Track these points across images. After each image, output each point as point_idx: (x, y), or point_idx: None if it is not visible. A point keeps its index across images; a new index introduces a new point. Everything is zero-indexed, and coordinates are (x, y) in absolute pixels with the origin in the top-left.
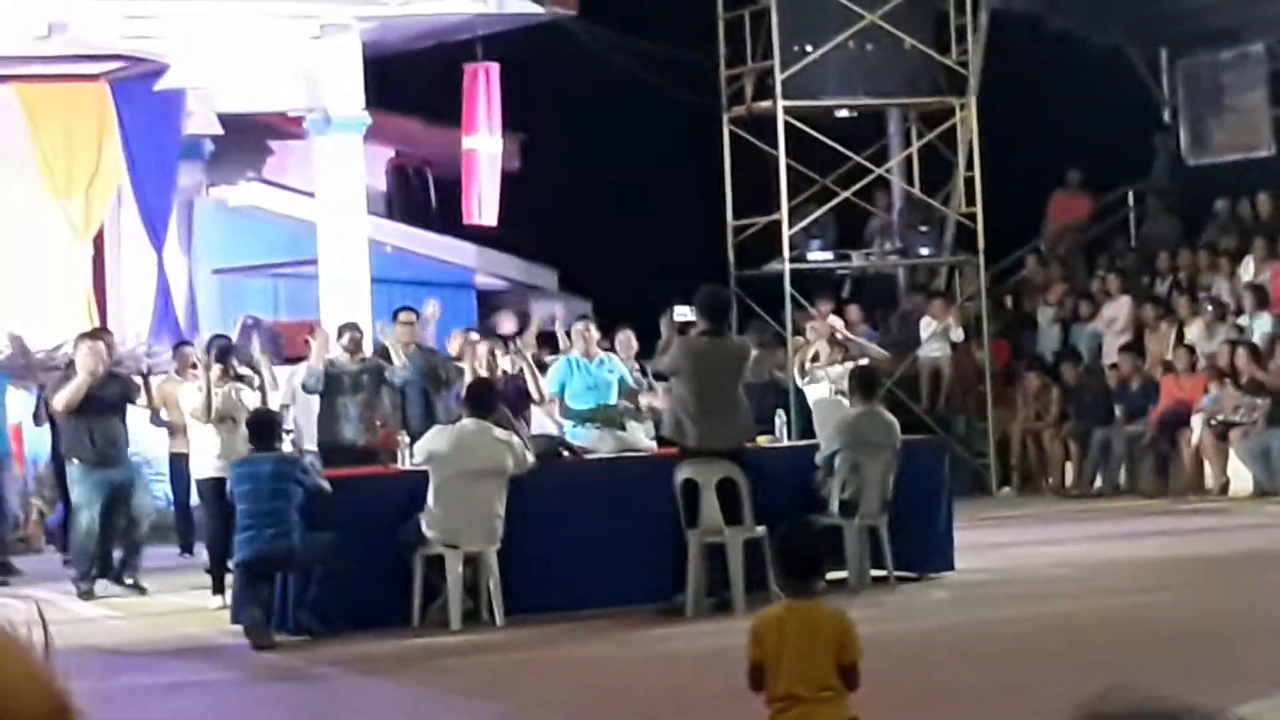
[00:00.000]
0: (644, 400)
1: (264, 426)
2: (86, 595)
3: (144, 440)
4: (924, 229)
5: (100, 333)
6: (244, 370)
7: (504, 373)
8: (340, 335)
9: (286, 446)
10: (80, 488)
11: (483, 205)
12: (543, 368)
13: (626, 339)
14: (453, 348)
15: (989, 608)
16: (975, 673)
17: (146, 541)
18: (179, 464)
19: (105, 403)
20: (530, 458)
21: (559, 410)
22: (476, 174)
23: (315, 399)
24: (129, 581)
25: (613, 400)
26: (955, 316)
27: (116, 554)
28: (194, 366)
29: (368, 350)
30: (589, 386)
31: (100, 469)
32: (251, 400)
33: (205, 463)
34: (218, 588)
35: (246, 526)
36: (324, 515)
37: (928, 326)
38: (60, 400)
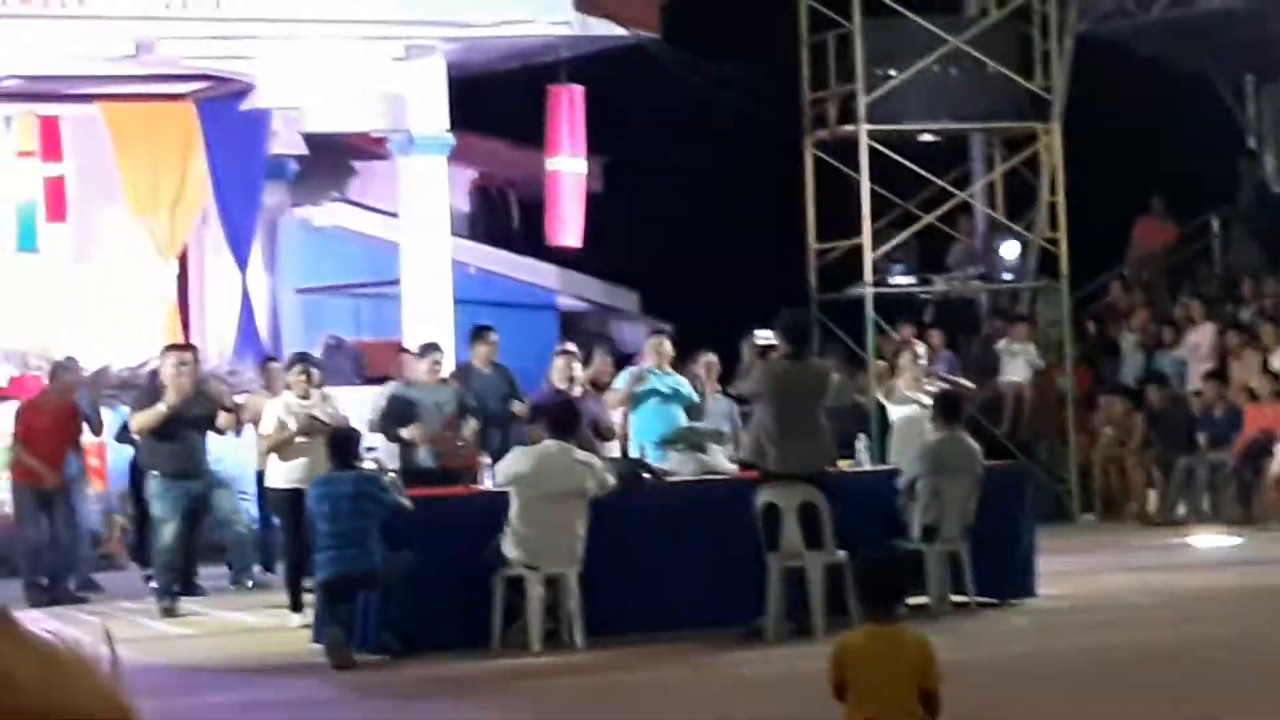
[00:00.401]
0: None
1: (344, 444)
2: (169, 612)
3: (228, 457)
4: (1006, 254)
5: (188, 347)
6: (327, 389)
7: (583, 389)
8: (422, 357)
9: (369, 465)
10: (160, 502)
11: (567, 227)
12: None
13: (709, 363)
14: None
15: (1070, 635)
16: (1056, 701)
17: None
18: (265, 479)
19: (187, 423)
20: (611, 479)
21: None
22: (560, 195)
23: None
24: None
25: (680, 413)
26: (1036, 342)
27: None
28: (288, 386)
29: (448, 369)
30: (655, 390)
31: (179, 481)
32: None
33: (278, 473)
34: (295, 605)
35: (327, 546)
36: (405, 535)
37: (1009, 351)
38: (137, 423)
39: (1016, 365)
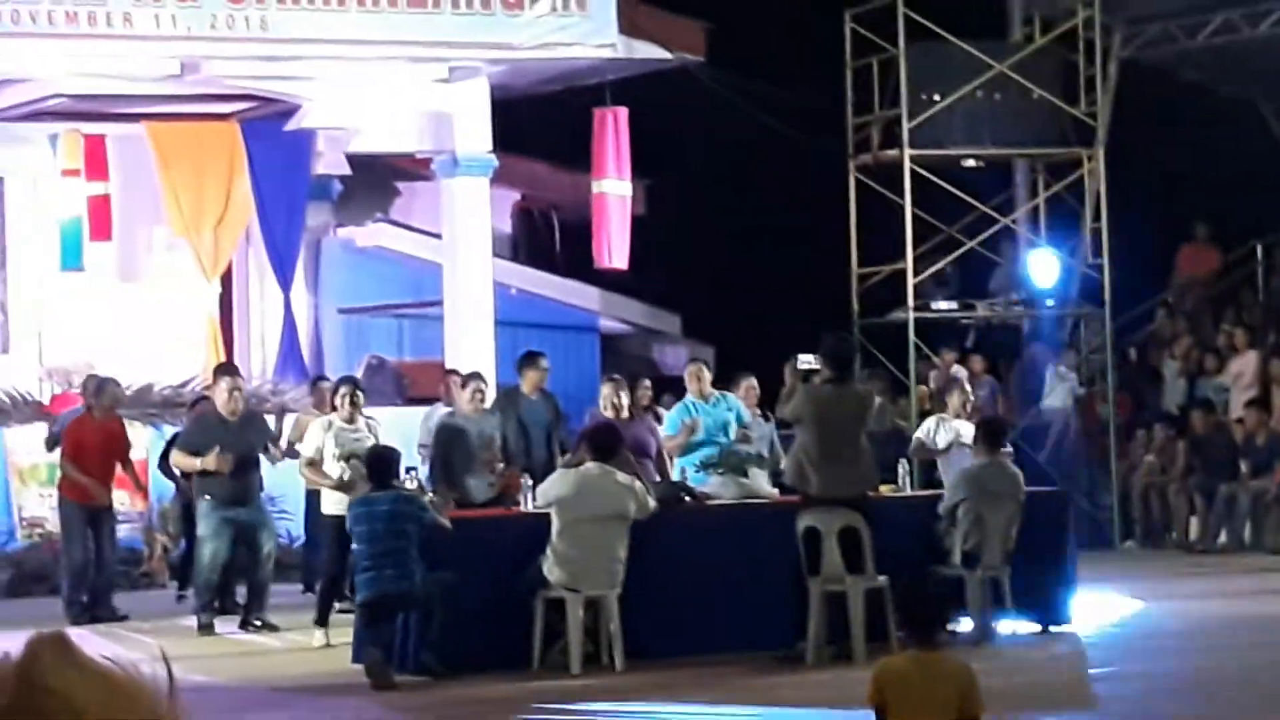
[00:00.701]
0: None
1: (382, 464)
2: (207, 629)
3: (273, 476)
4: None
5: (233, 369)
6: (369, 411)
7: (628, 414)
8: (464, 386)
9: (410, 484)
10: (207, 521)
11: (613, 249)
12: (657, 418)
13: (749, 386)
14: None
15: (1111, 663)
16: None
17: (269, 582)
18: (313, 499)
19: (240, 449)
20: (652, 502)
21: (675, 450)
22: (607, 218)
23: None
24: (258, 623)
25: (731, 438)
26: (1078, 369)
27: (239, 595)
28: (333, 407)
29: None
30: (706, 428)
31: (230, 507)
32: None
33: (330, 499)
34: (321, 619)
35: (366, 567)
36: (446, 556)
37: (1059, 376)
38: (180, 463)
39: (1059, 392)
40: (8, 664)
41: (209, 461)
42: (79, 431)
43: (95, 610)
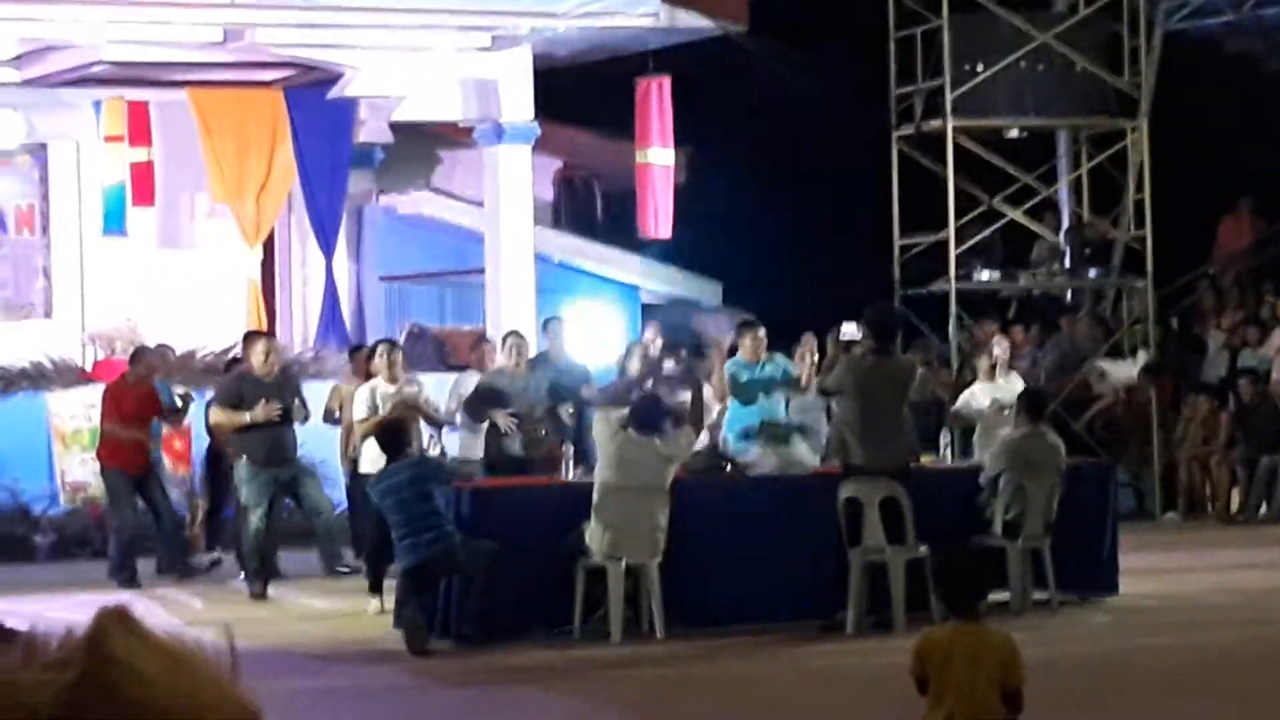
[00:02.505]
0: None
1: (391, 436)
2: (259, 596)
3: (314, 442)
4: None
5: (271, 334)
6: (411, 375)
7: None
8: (503, 342)
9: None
10: (249, 487)
11: (657, 218)
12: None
13: (812, 348)
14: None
15: (1152, 634)
16: (1138, 702)
17: (336, 528)
18: (353, 464)
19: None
20: (687, 443)
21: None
22: (651, 187)
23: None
24: (344, 569)
25: (778, 402)
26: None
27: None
28: (371, 374)
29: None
30: (753, 386)
31: (268, 468)
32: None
33: (370, 459)
34: (375, 586)
35: (403, 535)
36: (487, 525)
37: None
38: (215, 419)
39: (1123, 367)
40: (74, 637)
41: (258, 413)
42: (116, 396)
43: (177, 569)
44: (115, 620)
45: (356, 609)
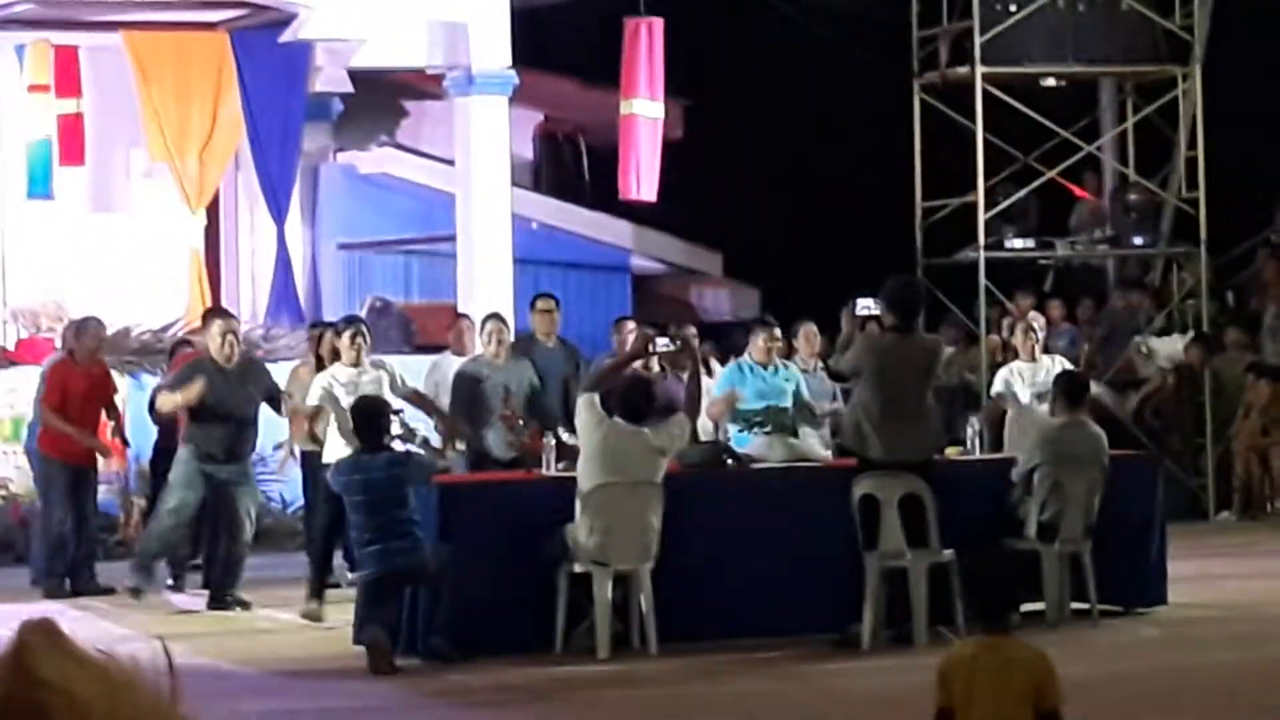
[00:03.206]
0: (821, 409)
1: (370, 420)
2: (136, 593)
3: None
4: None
5: (225, 312)
6: (377, 358)
7: (660, 371)
8: (482, 328)
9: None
10: (182, 468)
11: (641, 179)
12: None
13: (809, 333)
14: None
15: (1204, 649)
16: None
17: (246, 554)
18: (310, 460)
19: (237, 402)
20: (682, 432)
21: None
22: (635, 143)
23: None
24: (229, 599)
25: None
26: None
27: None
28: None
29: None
30: (760, 394)
31: (212, 461)
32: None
33: (334, 451)
34: (317, 591)
35: (369, 540)
36: (458, 525)
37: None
38: (163, 403)
39: (1169, 344)
40: None
41: (190, 391)
42: (61, 378)
43: (74, 582)
44: (42, 636)
45: (304, 622)
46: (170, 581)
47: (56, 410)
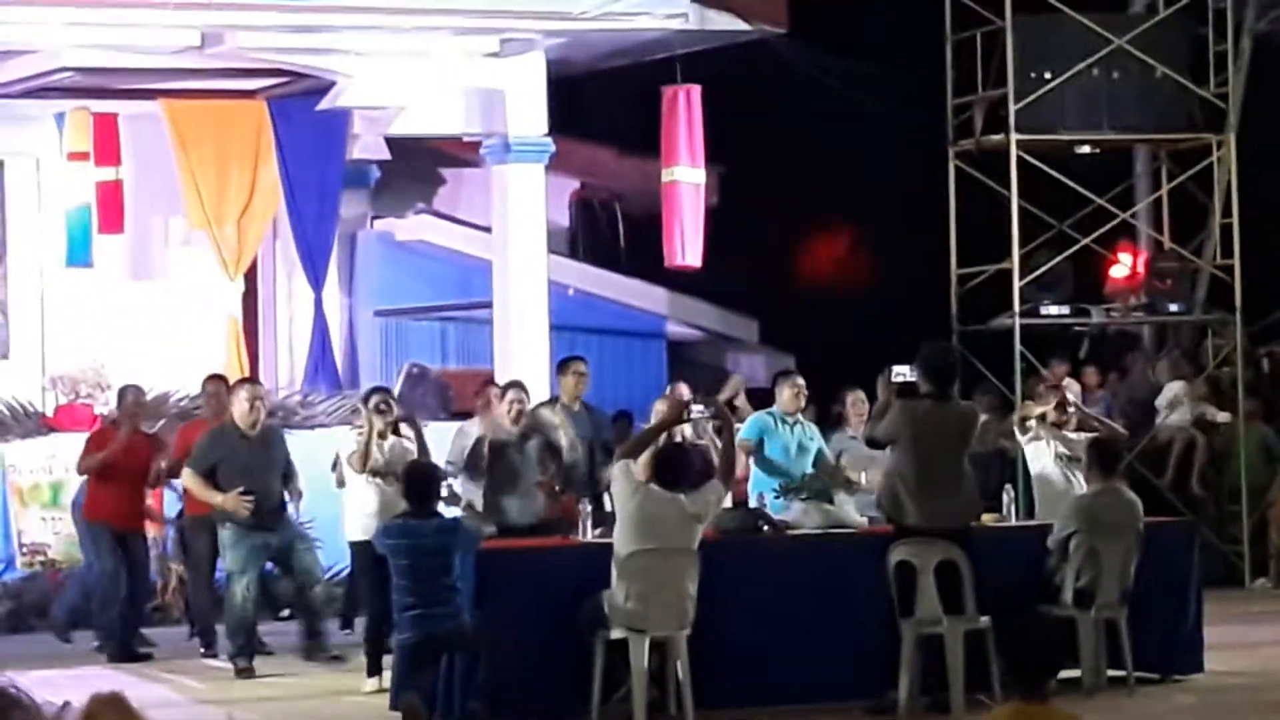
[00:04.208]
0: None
1: (425, 484)
2: (245, 673)
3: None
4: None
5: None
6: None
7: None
8: (504, 395)
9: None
10: (234, 553)
11: (686, 245)
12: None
13: (856, 400)
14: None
15: (1240, 717)
16: None
17: (324, 607)
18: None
19: (263, 467)
20: (716, 499)
21: (754, 462)
22: (678, 210)
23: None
24: (324, 656)
25: (808, 468)
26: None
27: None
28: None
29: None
30: (784, 446)
31: (257, 532)
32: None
33: (359, 522)
34: (374, 668)
35: (410, 605)
36: (495, 592)
37: (1172, 393)
38: (194, 490)
39: (1181, 409)
40: None
41: (228, 501)
42: (102, 447)
43: (125, 650)
44: (109, 709)
45: (350, 687)
46: (203, 649)
47: (99, 480)
